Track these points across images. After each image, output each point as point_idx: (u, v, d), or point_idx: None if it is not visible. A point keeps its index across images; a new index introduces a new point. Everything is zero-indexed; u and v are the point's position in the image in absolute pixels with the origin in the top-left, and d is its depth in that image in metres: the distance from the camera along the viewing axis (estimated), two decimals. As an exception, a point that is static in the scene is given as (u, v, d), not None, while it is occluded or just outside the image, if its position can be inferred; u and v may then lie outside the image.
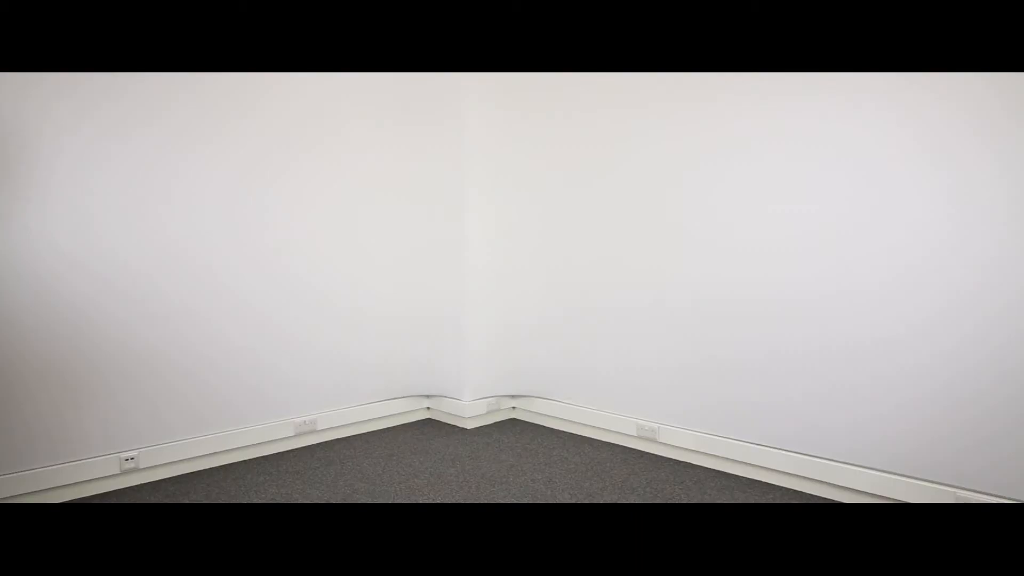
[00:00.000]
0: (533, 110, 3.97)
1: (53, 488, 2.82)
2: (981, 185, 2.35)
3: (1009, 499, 2.32)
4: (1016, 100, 2.27)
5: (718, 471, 3.16)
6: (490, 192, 4.10)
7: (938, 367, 2.47)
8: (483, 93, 4.09)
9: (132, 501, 2.85)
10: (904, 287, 2.54)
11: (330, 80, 3.70)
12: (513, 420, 4.23)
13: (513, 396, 4.24)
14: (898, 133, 2.53)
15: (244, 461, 3.40)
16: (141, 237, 3.04)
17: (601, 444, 3.65)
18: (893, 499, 2.60)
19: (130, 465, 3.02)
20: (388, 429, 4.03)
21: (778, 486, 2.94)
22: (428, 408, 4.32)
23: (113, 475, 2.98)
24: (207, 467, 3.28)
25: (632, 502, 2.77)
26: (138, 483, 3.06)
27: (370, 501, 2.82)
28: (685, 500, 2.79)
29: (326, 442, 3.74)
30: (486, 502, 2.79)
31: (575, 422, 3.87)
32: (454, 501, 2.81)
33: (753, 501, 2.77)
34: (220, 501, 2.84)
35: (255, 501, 2.83)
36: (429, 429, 4.04)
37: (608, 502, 2.77)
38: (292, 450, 3.59)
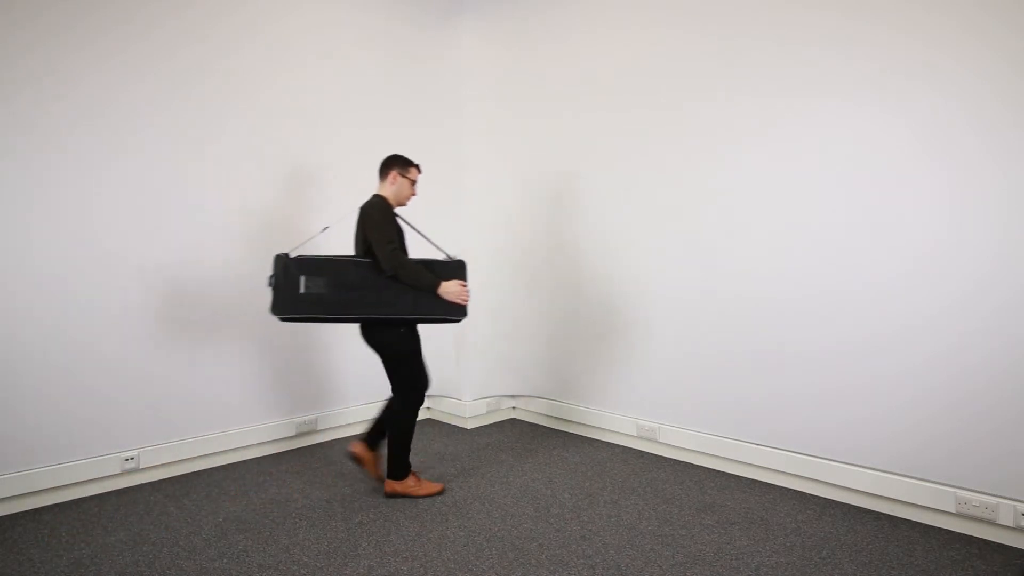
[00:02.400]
0: (531, 111, 3.97)
1: (54, 488, 2.82)
2: (981, 185, 2.35)
3: (1009, 499, 2.32)
4: (1016, 100, 2.27)
5: (718, 471, 3.16)
6: (490, 190, 4.10)
7: (938, 367, 2.46)
8: (481, 91, 4.09)
9: (132, 501, 2.85)
10: (904, 286, 2.54)
11: (329, 90, 3.71)
12: (513, 420, 4.23)
13: (513, 396, 4.24)
14: (897, 133, 2.53)
15: (244, 461, 3.40)
16: (142, 238, 3.04)
17: (601, 444, 3.65)
18: (893, 499, 2.60)
19: (130, 465, 3.02)
20: (388, 429, 4.03)
21: (778, 486, 2.94)
22: (428, 408, 4.32)
23: (113, 475, 2.98)
24: (207, 467, 3.28)
25: (632, 502, 2.77)
26: (138, 483, 3.07)
27: (370, 500, 2.82)
28: (685, 500, 2.79)
29: (326, 442, 3.74)
30: (486, 501, 2.79)
31: (575, 422, 3.87)
32: (454, 501, 2.81)
33: (753, 501, 2.77)
34: (220, 501, 2.84)
35: (255, 501, 2.83)
36: (429, 429, 4.03)
37: (608, 502, 2.77)
38: (292, 450, 3.59)
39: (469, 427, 4.03)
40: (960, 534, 2.42)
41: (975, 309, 2.37)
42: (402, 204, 2.86)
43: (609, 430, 3.67)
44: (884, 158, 2.57)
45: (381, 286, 2.66)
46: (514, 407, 4.28)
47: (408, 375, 2.79)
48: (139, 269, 3.03)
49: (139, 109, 3.02)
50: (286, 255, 2.61)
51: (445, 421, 4.20)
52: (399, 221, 2.79)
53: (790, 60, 2.83)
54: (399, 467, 2.82)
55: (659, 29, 3.32)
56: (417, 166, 2.88)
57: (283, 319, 2.67)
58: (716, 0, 3.08)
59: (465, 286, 2.75)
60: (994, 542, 2.35)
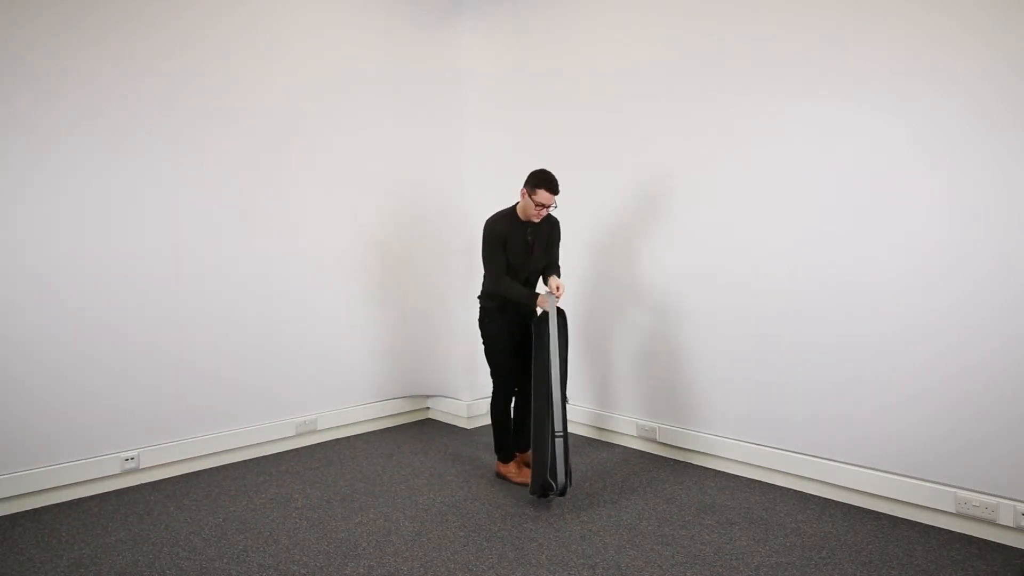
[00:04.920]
0: (531, 110, 3.97)
1: (54, 488, 2.82)
2: (981, 185, 2.35)
3: (1009, 499, 2.32)
4: (1016, 100, 2.27)
5: (718, 471, 3.16)
6: (490, 190, 4.09)
7: (938, 366, 2.46)
8: (481, 91, 4.09)
9: (132, 501, 2.85)
10: (904, 286, 2.53)
11: (329, 90, 3.71)
12: (513, 420, 4.23)
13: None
14: (897, 133, 2.53)
15: (244, 461, 3.40)
16: (141, 239, 3.04)
17: (601, 444, 3.65)
18: (893, 499, 2.60)
19: (130, 465, 3.02)
20: (388, 429, 4.03)
21: (778, 486, 2.94)
22: (428, 408, 4.32)
23: (113, 475, 2.99)
24: (207, 467, 3.28)
25: (632, 502, 2.77)
26: (138, 483, 3.07)
27: (370, 500, 2.82)
28: (685, 500, 2.79)
29: (326, 442, 3.74)
30: (486, 502, 2.79)
31: (574, 422, 3.86)
32: (454, 501, 2.81)
33: (753, 501, 2.77)
34: (220, 501, 2.84)
35: (255, 501, 2.83)
36: (429, 429, 4.03)
37: (608, 502, 2.77)
38: (292, 450, 3.59)
39: (469, 427, 4.03)
40: (960, 534, 2.42)
41: (975, 309, 2.37)
42: (529, 220, 2.88)
43: (609, 430, 3.67)
44: (884, 158, 2.57)
45: None
46: (514, 407, 4.28)
47: (491, 366, 3.12)
48: (137, 270, 3.03)
49: (139, 109, 3.02)
50: None
51: (445, 421, 4.20)
52: (523, 233, 2.90)
53: (790, 60, 2.82)
54: (497, 450, 3.12)
55: (659, 29, 3.32)
56: (548, 188, 2.77)
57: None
58: (716, 0, 3.08)
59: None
60: (994, 542, 2.35)
